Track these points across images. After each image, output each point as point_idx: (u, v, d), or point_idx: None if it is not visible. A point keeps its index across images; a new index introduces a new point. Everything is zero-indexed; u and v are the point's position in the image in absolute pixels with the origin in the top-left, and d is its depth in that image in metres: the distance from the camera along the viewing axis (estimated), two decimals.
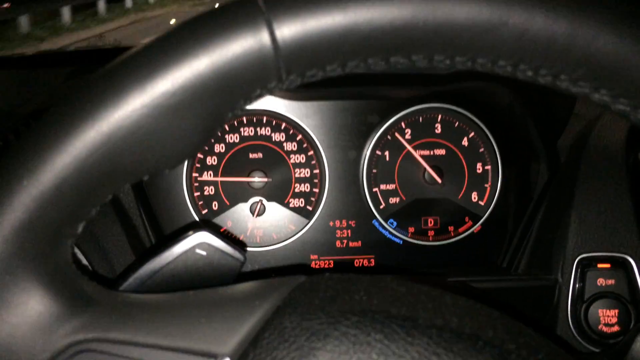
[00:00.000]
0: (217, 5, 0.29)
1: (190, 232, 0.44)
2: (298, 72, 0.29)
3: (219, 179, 0.93)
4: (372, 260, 0.96)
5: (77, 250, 0.73)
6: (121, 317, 0.31)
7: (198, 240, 0.44)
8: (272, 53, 0.27)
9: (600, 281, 0.80)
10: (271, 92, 0.29)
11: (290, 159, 0.94)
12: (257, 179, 0.93)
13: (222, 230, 0.93)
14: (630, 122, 0.30)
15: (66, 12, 8.69)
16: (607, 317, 0.78)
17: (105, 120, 0.27)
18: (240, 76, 0.28)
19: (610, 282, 0.79)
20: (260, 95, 0.29)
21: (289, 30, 0.27)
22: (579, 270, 0.80)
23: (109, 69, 0.28)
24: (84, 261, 0.73)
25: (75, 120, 0.27)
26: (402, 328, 0.28)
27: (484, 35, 0.27)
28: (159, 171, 0.30)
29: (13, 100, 0.94)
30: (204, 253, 0.44)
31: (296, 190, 0.94)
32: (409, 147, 0.94)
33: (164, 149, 0.29)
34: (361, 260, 0.96)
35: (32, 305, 0.29)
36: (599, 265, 0.80)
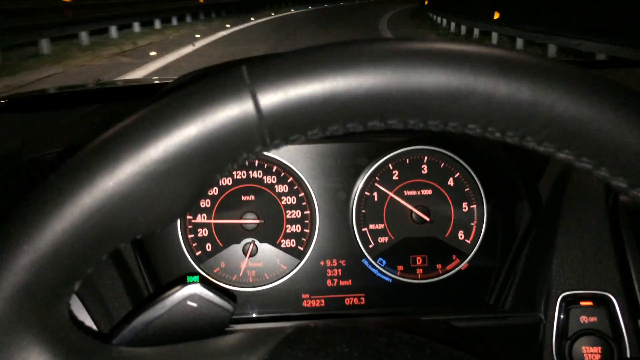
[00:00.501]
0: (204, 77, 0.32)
1: (180, 286, 0.46)
2: (281, 137, 0.31)
3: (212, 221, 0.95)
4: (362, 299, 0.98)
5: (75, 299, 0.75)
6: None
7: (189, 292, 0.46)
8: (257, 121, 0.30)
9: (583, 318, 0.82)
10: (256, 155, 0.32)
11: (281, 200, 0.96)
12: (250, 221, 0.95)
13: (216, 270, 0.95)
14: (595, 177, 0.33)
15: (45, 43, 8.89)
16: (590, 354, 0.80)
17: (100, 187, 0.29)
18: (228, 143, 0.30)
19: (593, 319, 0.81)
20: (246, 159, 0.32)
21: (271, 100, 0.29)
22: (562, 307, 0.82)
23: (103, 139, 0.30)
24: (82, 311, 0.75)
25: (72, 188, 0.30)
26: None
27: (454, 102, 0.29)
28: (151, 231, 0.32)
29: (12, 142, 0.97)
30: (194, 305, 0.46)
31: (288, 231, 0.97)
32: (390, 194, 0.97)
33: (156, 211, 0.31)
34: (352, 298, 0.98)
35: None
36: (582, 303, 0.82)
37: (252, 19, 17.49)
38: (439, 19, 15.47)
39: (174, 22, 14.99)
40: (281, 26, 15.57)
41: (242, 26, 15.22)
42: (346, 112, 0.30)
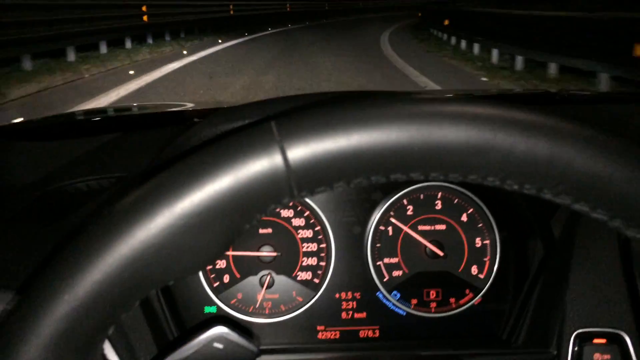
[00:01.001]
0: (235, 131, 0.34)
1: (208, 327, 0.48)
2: (308, 189, 0.33)
3: (231, 253, 0.97)
4: (377, 331, 0.99)
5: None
6: None
7: (216, 333, 0.48)
8: (285, 175, 0.31)
9: (597, 356, 0.82)
10: (284, 206, 0.34)
11: (298, 234, 0.99)
12: (266, 253, 0.97)
13: (232, 301, 0.97)
14: (608, 228, 0.34)
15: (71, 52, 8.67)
16: None
17: (137, 240, 0.31)
18: (257, 195, 0.32)
19: (607, 357, 0.82)
20: (274, 209, 0.34)
21: (299, 154, 0.31)
22: (576, 345, 0.83)
23: (141, 192, 0.33)
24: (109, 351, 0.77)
25: (111, 240, 0.32)
26: None
27: (473, 157, 0.31)
28: (181, 278, 0.34)
29: (35, 174, 1.00)
30: (220, 346, 0.48)
31: (304, 263, 0.98)
32: (405, 228, 0.99)
33: (187, 261, 0.33)
34: (366, 331, 0.99)
35: None
36: (595, 341, 0.83)
37: (246, 34, 17.32)
38: (439, 33, 15.55)
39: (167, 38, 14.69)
40: (280, 41, 15.59)
41: (236, 41, 15.20)
42: (370, 166, 0.32)
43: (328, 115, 0.32)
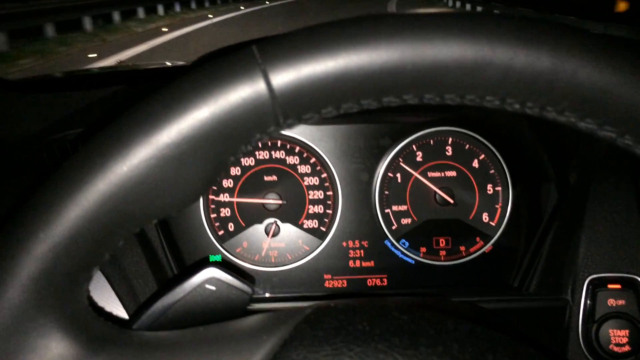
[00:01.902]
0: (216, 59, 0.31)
1: (200, 268, 0.46)
2: (295, 116, 0.30)
3: (235, 199, 0.95)
4: (385, 280, 0.97)
5: (102, 279, 0.75)
6: (136, 355, 0.32)
7: (207, 276, 0.46)
8: (270, 101, 0.29)
9: (611, 301, 0.80)
10: (270, 136, 0.31)
11: (304, 181, 0.96)
12: (272, 201, 0.95)
13: (238, 250, 0.95)
14: (618, 147, 0.31)
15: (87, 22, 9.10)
16: (617, 337, 0.79)
17: (114, 173, 0.29)
18: (241, 124, 0.29)
19: (621, 302, 0.80)
20: (260, 139, 0.31)
21: (283, 79, 0.29)
22: (589, 290, 0.81)
23: (116, 124, 0.30)
24: (106, 285, 0.76)
25: (86, 174, 0.29)
26: (404, 357, 0.30)
27: (470, 75, 0.28)
28: (166, 216, 0.32)
29: (36, 125, 0.98)
30: (213, 288, 0.46)
31: (310, 211, 0.96)
32: (415, 174, 0.96)
33: (171, 195, 0.31)
34: (374, 279, 0.97)
35: (53, 349, 0.31)
36: (610, 286, 0.81)
37: (267, 2, 16.87)
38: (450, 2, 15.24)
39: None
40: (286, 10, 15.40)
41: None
42: (360, 89, 0.29)
43: (313, 36, 0.29)
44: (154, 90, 0.30)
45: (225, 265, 0.47)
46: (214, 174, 0.31)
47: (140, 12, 12.43)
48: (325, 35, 0.29)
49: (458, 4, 14.29)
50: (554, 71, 0.28)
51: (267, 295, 0.95)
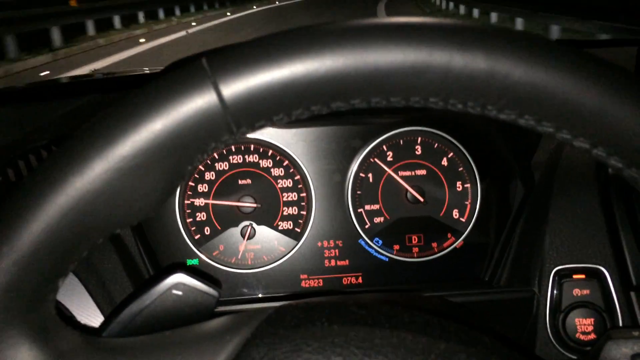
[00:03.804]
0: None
1: (165, 275, 0.47)
2: (247, 124, 0.31)
3: (211, 201, 0.96)
4: (360, 278, 0.99)
5: (75, 280, 0.76)
6: None
7: (174, 281, 0.47)
8: (221, 111, 0.30)
9: (576, 291, 0.83)
10: (225, 144, 0.32)
11: (277, 184, 0.98)
12: (247, 204, 0.97)
13: (215, 253, 0.96)
14: (558, 141, 0.33)
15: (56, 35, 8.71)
16: (583, 325, 0.82)
17: (72, 186, 0.30)
18: (194, 134, 0.30)
19: (586, 292, 0.83)
20: (215, 148, 0.32)
21: (233, 89, 0.30)
22: (555, 281, 0.84)
23: (72, 139, 0.31)
24: (83, 290, 0.76)
25: (45, 188, 0.30)
26: (360, 349, 0.31)
27: (412, 78, 0.30)
28: (127, 225, 0.33)
29: (13, 133, 0.98)
30: (180, 293, 0.47)
31: (284, 213, 0.98)
32: (389, 171, 0.98)
33: (130, 206, 0.32)
34: (349, 278, 0.99)
35: (21, 359, 0.32)
36: (575, 276, 0.84)
37: (254, 7, 16.64)
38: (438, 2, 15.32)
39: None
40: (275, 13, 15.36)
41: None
42: (308, 95, 0.30)
43: (259, 46, 0.30)
44: (109, 105, 0.31)
45: (193, 270, 0.49)
46: (173, 184, 0.32)
47: (117, 21, 11.90)
48: (271, 45, 0.30)
49: (451, 5, 14.31)
50: (489, 72, 0.29)
51: (244, 297, 0.97)
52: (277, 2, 21.28)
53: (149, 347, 0.34)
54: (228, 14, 16.03)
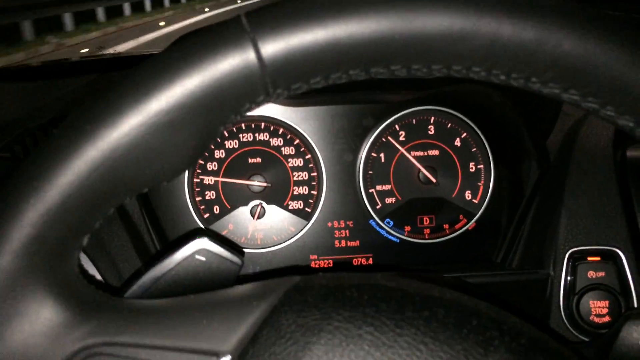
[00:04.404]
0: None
1: (190, 240, 0.46)
2: (284, 86, 0.30)
3: (220, 179, 0.95)
4: (370, 259, 0.98)
5: (84, 257, 0.75)
6: (127, 321, 0.32)
7: (197, 247, 0.46)
8: (259, 70, 0.29)
9: (591, 274, 0.82)
10: (259, 105, 0.31)
11: (288, 162, 0.96)
12: (257, 183, 0.95)
13: (224, 232, 0.96)
14: (600, 118, 0.32)
15: (68, 20, 8.66)
16: (598, 308, 0.81)
17: (104, 139, 0.29)
18: (230, 92, 0.30)
19: (601, 274, 0.82)
20: (249, 109, 0.31)
21: (273, 47, 0.29)
22: (570, 263, 0.83)
23: (107, 91, 0.30)
24: (91, 267, 0.76)
25: (77, 140, 0.29)
26: (391, 320, 0.31)
27: (457, 45, 0.29)
28: (157, 184, 0.32)
29: (18, 111, 0.97)
30: (203, 259, 0.46)
31: (295, 193, 0.97)
32: (402, 150, 0.97)
33: (161, 163, 0.31)
34: (359, 259, 0.98)
35: (44, 315, 0.31)
36: (589, 259, 0.83)
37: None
38: None
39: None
40: None
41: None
42: (348, 59, 0.29)
43: (302, 6, 0.29)
44: (144, 59, 0.30)
45: (216, 236, 0.48)
46: (205, 143, 0.32)
47: (147, 5, 11.54)
48: (314, 4, 0.29)
49: None
50: (538, 42, 0.28)
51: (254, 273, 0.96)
52: None
53: (173, 309, 0.33)
54: (239, 1, 15.73)
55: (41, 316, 0.31)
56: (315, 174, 0.97)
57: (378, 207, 0.98)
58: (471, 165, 0.98)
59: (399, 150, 0.97)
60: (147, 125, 0.29)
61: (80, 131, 0.30)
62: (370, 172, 0.97)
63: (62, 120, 0.31)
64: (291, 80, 0.30)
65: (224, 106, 0.30)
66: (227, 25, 0.30)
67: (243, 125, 0.96)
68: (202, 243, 0.46)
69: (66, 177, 0.30)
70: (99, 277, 0.78)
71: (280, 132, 0.96)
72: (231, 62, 0.29)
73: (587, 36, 0.28)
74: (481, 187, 0.98)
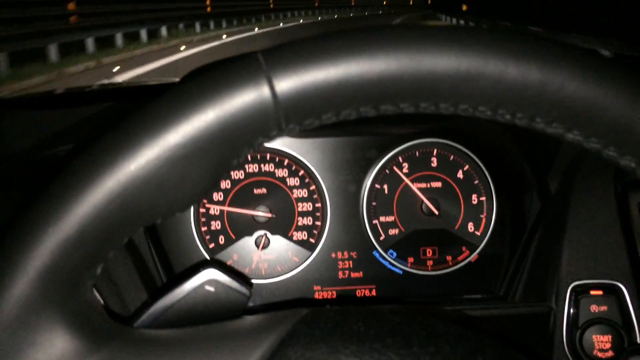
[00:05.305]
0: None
1: (200, 270, 0.47)
2: (296, 121, 0.32)
3: (226, 208, 0.96)
4: (374, 291, 0.99)
5: (96, 294, 0.76)
6: (138, 351, 0.33)
7: (207, 277, 0.47)
8: (273, 106, 0.30)
9: (594, 308, 0.82)
10: (272, 140, 0.32)
11: (293, 193, 0.98)
12: (262, 213, 0.96)
13: (228, 262, 0.96)
14: (603, 159, 0.33)
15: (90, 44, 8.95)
16: (601, 342, 0.81)
17: (122, 171, 0.30)
18: (244, 127, 0.31)
19: (603, 308, 0.82)
20: (262, 143, 0.32)
21: (287, 85, 0.30)
22: (572, 297, 0.83)
23: (125, 125, 0.31)
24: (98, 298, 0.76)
25: (95, 172, 0.31)
26: (398, 355, 0.31)
27: (464, 84, 0.30)
28: (171, 215, 0.33)
29: (29, 142, 0.99)
30: (212, 289, 0.47)
31: (299, 223, 0.98)
32: (407, 180, 0.98)
33: (175, 195, 0.32)
34: (363, 290, 0.99)
35: (57, 344, 0.31)
36: (592, 292, 0.83)
37: (256, 29, 15.91)
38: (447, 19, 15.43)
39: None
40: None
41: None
42: (359, 96, 0.31)
43: (315, 45, 0.31)
44: (162, 92, 0.32)
45: (225, 267, 0.49)
46: (218, 175, 0.33)
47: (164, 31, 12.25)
48: (327, 44, 0.30)
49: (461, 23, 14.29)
50: (542, 83, 0.29)
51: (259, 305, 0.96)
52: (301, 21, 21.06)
53: (182, 340, 0.34)
54: (224, 36, 14.97)
55: (54, 345, 0.32)
56: (319, 204, 0.98)
57: (381, 238, 0.98)
58: (473, 197, 0.99)
59: (402, 181, 0.98)
60: (164, 158, 0.30)
61: (99, 162, 0.31)
62: (374, 203, 0.98)
63: (74, 150, 0.32)
64: (304, 116, 0.31)
65: (238, 140, 0.31)
66: (243, 62, 0.31)
67: (249, 157, 0.97)
68: (212, 273, 0.47)
69: (84, 208, 0.31)
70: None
71: (285, 164, 0.98)
72: (247, 99, 0.30)
73: (589, 79, 0.30)
74: (483, 219, 0.99)
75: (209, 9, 15.60)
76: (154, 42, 11.19)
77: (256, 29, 14.15)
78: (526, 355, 0.36)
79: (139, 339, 0.34)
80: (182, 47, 10.63)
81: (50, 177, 0.32)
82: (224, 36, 13.30)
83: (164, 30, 12.42)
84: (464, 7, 13.58)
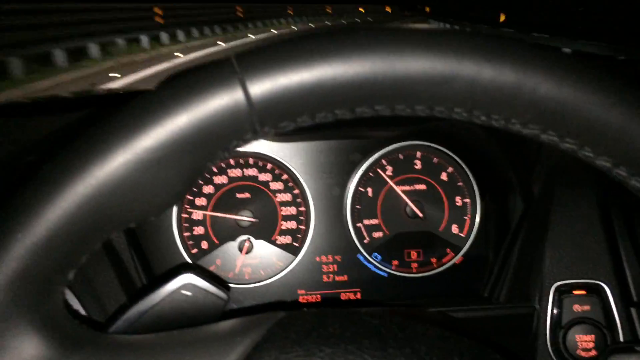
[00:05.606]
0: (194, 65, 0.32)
1: (177, 274, 0.47)
2: (271, 124, 0.31)
3: (209, 212, 0.96)
4: (359, 294, 0.98)
5: (68, 292, 0.75)
6: (110, 357, 0.32)
7: (183, 282, 0.46)
8: (247, 109, 0.30)
9: (577, 307, 0.83)
10: (247, 143, 0.32)
11: (276, 197, 0.97)
12: (245, 218, 0.96)
13: (212, 268, 0.95)
14: (578, 158, 0.33)
15: (60, 55, 8.39)
16: (584, 342, 0.81)
17: (93, 175, 0.30)
18: (218, 130, 0.30)
19: (586, 307, 0.83)
20: (237, 146, 0.32)
21: (260, 88, 0.30)
22: (556, 297, 0.83)
23: (95, 129, 0.31)
24: (76, 304, 0.75)
25: (65, 176, 0.30)
26: (373, 357, 0.31)
27: (439, 87, 0.30)
28: (144, 219, 0.33)
29: (8, 147, 0.97)
30: (189, 293, 0.46)
31: (283, 227, 0.97)
32: (391, 183, 0.98)
33: (149, 199, 0.31)
34: (348, 293, 0.98)
35: (27, 350, 0.31)
36: (575, 292, 0.83)
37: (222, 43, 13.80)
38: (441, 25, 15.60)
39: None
40: None
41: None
42: (334, 99, 0.31)
43: (289, 48, 0.30)
44: (134, 97, 0.31)
45: (203, 271, 0.48)
46: (192, 179, 0.32)
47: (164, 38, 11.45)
48: (300, 47, 0.30)
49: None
50: (517, 85, 0.30)
51: (242, 308, 0.95)
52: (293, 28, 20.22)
53: (156, 345, 0.33)
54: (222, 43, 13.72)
55: (24, 352, 0.31)
56: (303, 208, 0.97)
57: (366, 241, 0.98)
58: (457, 199, 0.99)
59: (386, 184, 0.98)
60: (135, 162, 0.30)
61: (69, 167, 0.30)
62: (358, 206, 0.98)
63: (45, 155, 0.32)
64: (278, 119, 0.31)
65: (212, 143, 0.31)
66: (217, 66, 0.31)
67: (232, 161, 0.97)
68: (188, 278, 0.46)
69: (53, 212, 0.30)
70: (83, 312, 0.77)
71: (268, 168, 0.97)
72: (220, 102, 0.30)
73: (562, 80, 0.30)
74: (467, 221, 0.99)
75: (161, 20, 12.03)
76: (76, 67, 7.86)
77: (223, 44, 12.24)
78: (505, 356, 0.35)
79: (111, 345, 0.34)
80: (117, 74, 7.41)
81: (20, 183, 0.31)
82: (180, 54, 10.22)
83: (94, 49, 8.92)
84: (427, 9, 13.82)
